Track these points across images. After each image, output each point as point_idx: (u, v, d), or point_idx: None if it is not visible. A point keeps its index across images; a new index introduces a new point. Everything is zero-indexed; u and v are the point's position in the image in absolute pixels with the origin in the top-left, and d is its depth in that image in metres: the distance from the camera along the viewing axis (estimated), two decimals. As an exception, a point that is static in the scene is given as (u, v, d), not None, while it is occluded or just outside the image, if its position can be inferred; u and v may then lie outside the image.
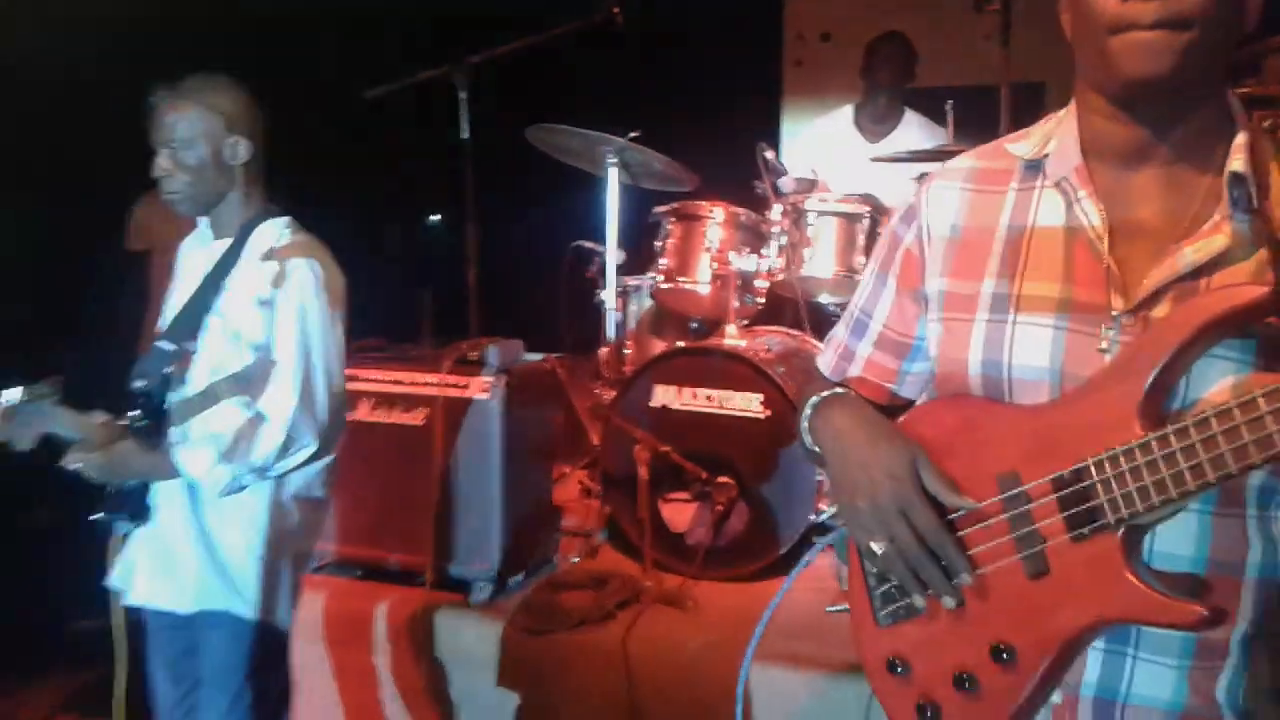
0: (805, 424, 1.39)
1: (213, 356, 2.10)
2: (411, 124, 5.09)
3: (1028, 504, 1.18)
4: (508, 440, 2.97)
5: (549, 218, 4.60)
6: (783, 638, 2.79)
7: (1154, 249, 1.18)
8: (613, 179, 3.67)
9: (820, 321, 3.71)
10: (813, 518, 3.15)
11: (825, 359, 1.54)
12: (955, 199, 1.33)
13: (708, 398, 3.23)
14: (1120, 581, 1.11)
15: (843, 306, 3.86)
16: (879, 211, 3.48)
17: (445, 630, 2.91)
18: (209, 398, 2.09)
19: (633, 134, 3.63)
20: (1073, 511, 1.14)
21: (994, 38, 3.42)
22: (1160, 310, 1.15)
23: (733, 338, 3.39)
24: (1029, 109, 5.05)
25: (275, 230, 2.17)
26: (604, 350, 3.92)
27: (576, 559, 3.26)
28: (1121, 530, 1.12)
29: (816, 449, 1.38)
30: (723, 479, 3.18)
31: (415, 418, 3.03)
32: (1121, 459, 1.11)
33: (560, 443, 3.94)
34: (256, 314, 2.07)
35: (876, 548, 1.22)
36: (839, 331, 1.52)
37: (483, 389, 2.97)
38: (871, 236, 3.45)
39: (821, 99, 5.64)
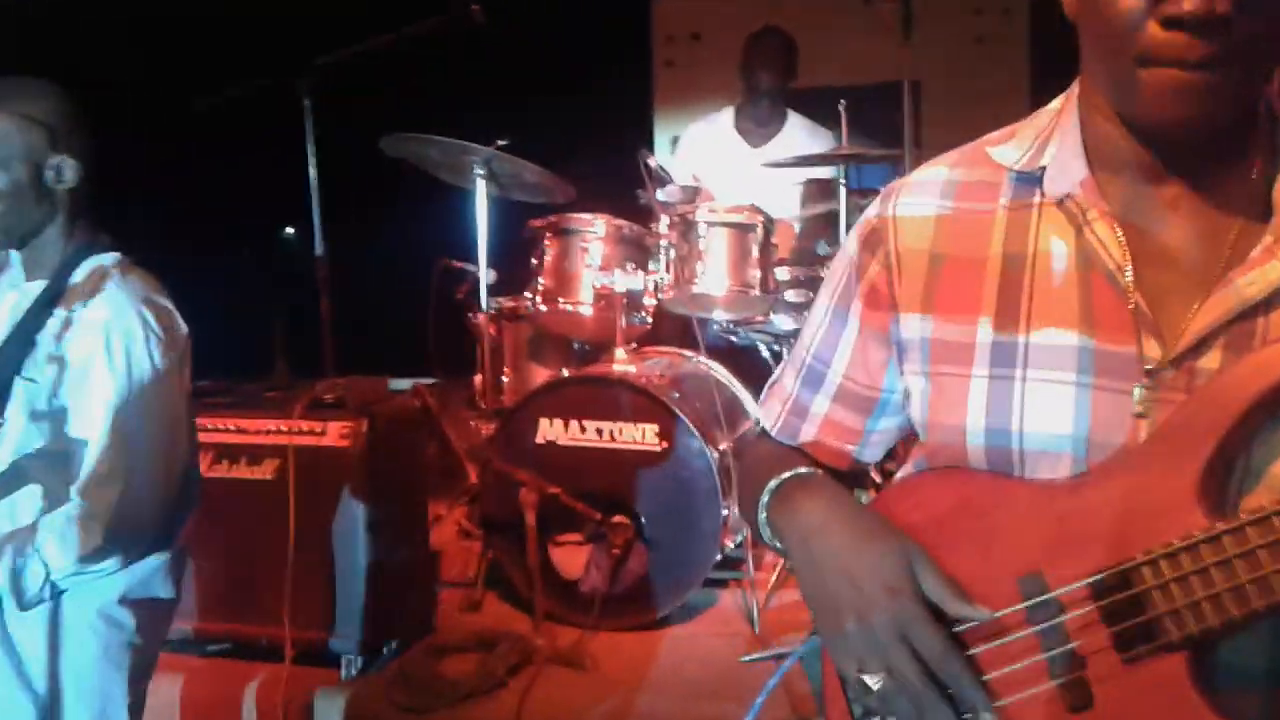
0: (763, 515, 1.10)
1: (15, 431, 1.68)
2: (258, 136, 4.65)
3: (1060, 615, 0.91)
4: (373, 492, 2.61)
5: (413, 235, 4.23)
6: (689, 698, 2.52)
7: (1190, 281, 0.93)
8: (480, 191, 3.34)
9: (716, 341, 3.47)
10: (719, 555, 2.89)
11: (769, 413, 1.25)
12: (931, 219, 1.07)
13: (598, 431, 2.92)
14: (1192, 717, 0.85)
15: (739, 324, 3.70)
16: (771, 222, 3.24)
17: (324, 712, 2.54)
18: (11, 482, 1.69)
19: (501, 142, 3.31)
20: (1122, 626, 0.88)
21: (895, 30, 3.21)
22: (1209, 360, 0.91)
23: (621, 362, 3.09)
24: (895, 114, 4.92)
25: (100, 269, 1.75)
26: (479, 379, 3.59)
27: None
28: (1189, 650, 0.86)
29: (779, 545, 1.09)
30: (618, 518, 2.89)
31: (264, 471, 2.64)
32: (1184, 558, 0.85)
33: (434, 480, 3.59)
34: (72, 376, 1.67)
35: (870, 681, 0.93)
36: (786, 381, 1.23)
37: (341, 435, 2.60)
38: (765, 249, 3.21)
39: (696, 102, 5.41)
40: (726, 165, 3.97)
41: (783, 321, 3.36)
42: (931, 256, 1.05)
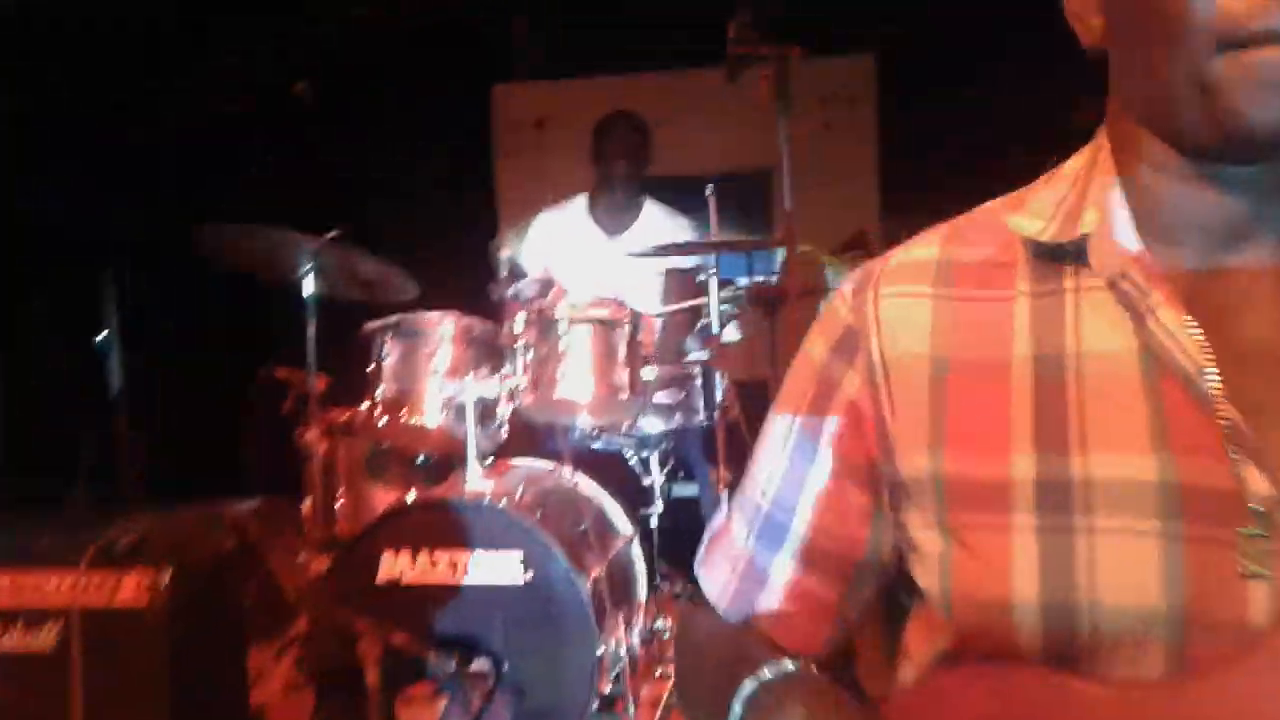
0: None
1: None
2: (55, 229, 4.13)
3: None
4: (178, 657, 2.15)
5: (235, 340, 3.77)
6: None
7: None
8: (309, 289, 2.95)
9: (578, 448, 3.14)
10: (595, 700, 2.52)
11: (714, 579, 0.93)
12: (925, 313, 0.80)
13: (451, 564, 2.53)
14: None
15: (606, 431, 3.38)
16: (638, 317, 2.95)
17: None
18: None
19: (333, 233, 2.94)
20: None
21: (769, 102, 3.01)
22: None
23: (476, 479, 2.72)
24: (754, 200, 4.80)
25: None
26: (308, 503, 3.15)
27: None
28: None
29: None
30: (477, 665, 2.49)
31: (42, 640, 2.15)
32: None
33: (257, 624, 3.10)
34: None
35: None
36: (735, 533, 0.92)
37: (139, 590, 2.14)
38: (633, 347, 2.91)
39: (541, 192, 5.16)
40: (581, 256, 3.68)
41: (651, 424, 3.06)
42: (934, 363, 0.78)
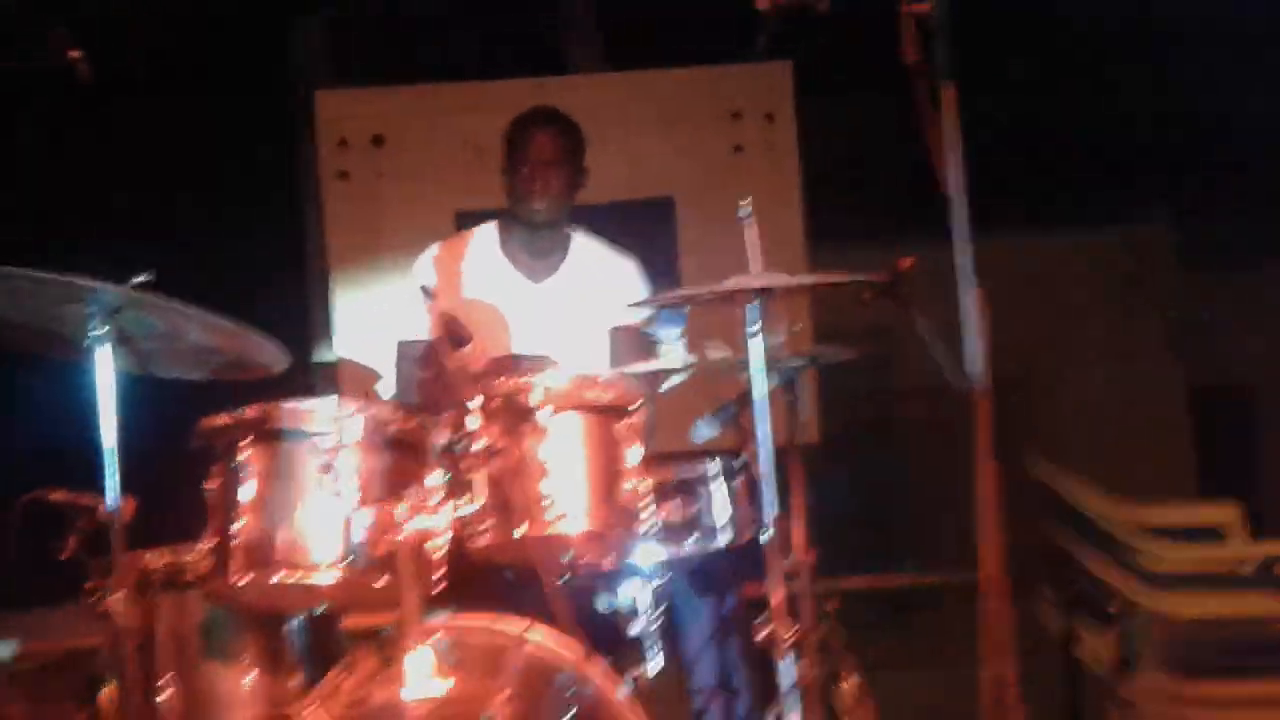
0: None
1: None
2: None
3: None
4: None
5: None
6: None
7: None
8: (105, 362, 1.82)
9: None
10: None
11: None
12: None
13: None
14: None
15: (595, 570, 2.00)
16: (645, 397, 1.97)
17: None
18: None
19: (139, 278, 1.83)
20: None
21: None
22: None
23: (422, 678, 1.65)
24: (659, 226, 3.91)
25: None
26: (106, 698, 1.99)
27: None
28: None
29: None
30: None
31: None
32: None
33: None
34: None
35: None
36: None
37: None
38: (633, 445, 1.92)
39: (387, 224, 4.09)
40: (497, 309, 2.66)
41: (650, 554, 2.06)
42: None
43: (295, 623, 2.03)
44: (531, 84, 4.09)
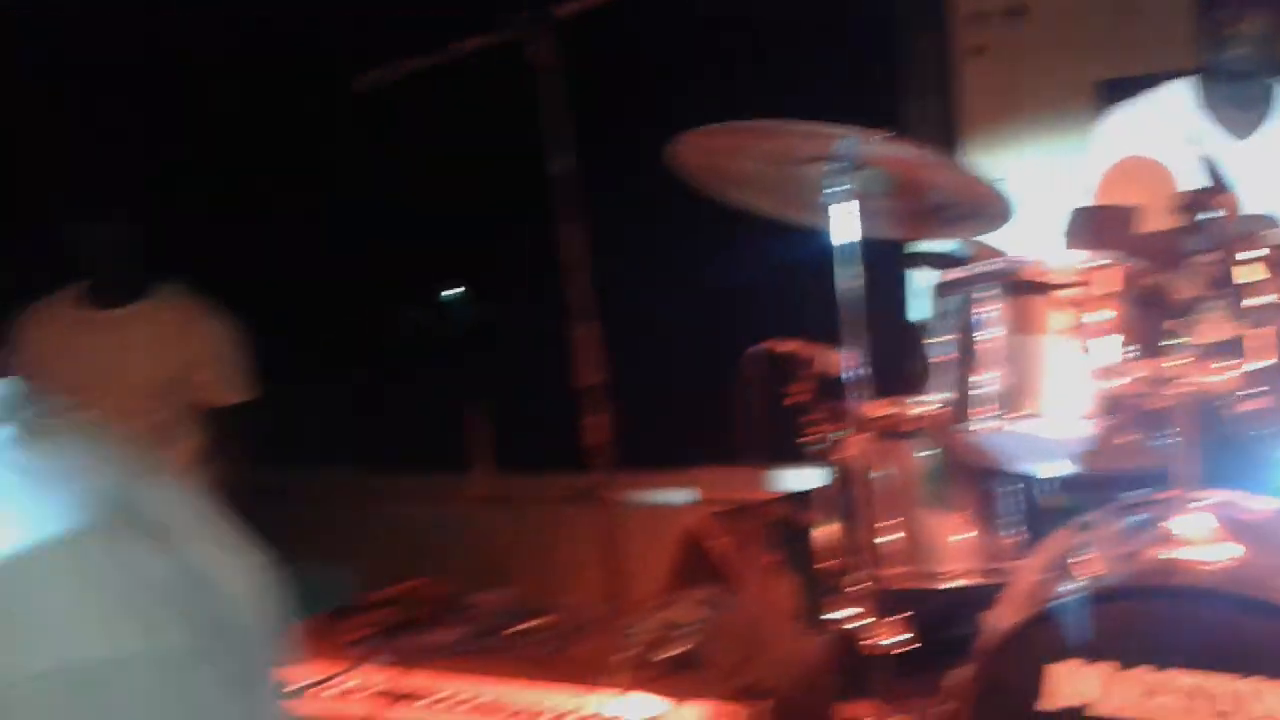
0: None
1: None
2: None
3: None
4: None
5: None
6: None
7: None
8: (845, 219, 1.90)
9: None
10: None
11: None
12: None
13: (1203, 694, 1.41)
14: None
15: None
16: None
17: None
18: None
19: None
20: None
21: None
22: None
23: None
24: None
25: None
26: (824, 535, 2.14)
27: None
28: None
29: None
30: None
31: None
32: None
33: None
34: None
35: None
36: None
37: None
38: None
39: (1025, 97, 3.94)
40: (1164, 166, 2.45)
41: None
42: None
43: (1016, 479, 2.05)
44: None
